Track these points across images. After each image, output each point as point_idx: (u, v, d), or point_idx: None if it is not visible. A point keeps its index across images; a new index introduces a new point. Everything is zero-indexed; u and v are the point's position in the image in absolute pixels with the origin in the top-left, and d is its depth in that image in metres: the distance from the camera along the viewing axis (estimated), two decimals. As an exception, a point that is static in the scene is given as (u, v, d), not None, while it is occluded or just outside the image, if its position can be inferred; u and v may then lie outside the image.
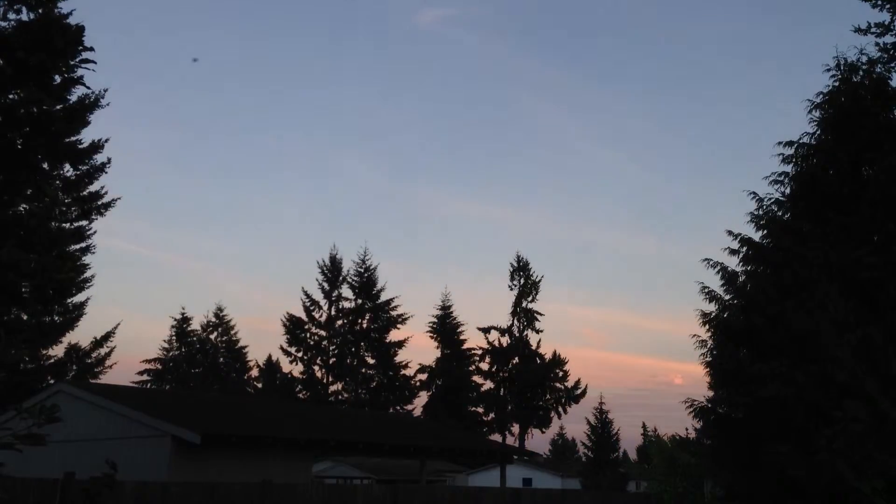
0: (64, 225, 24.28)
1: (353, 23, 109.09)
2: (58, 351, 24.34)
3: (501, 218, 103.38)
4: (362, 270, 54.15)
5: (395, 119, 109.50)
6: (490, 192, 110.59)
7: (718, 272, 17.57)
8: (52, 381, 21.93)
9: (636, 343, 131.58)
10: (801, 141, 17.39)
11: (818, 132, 17.26)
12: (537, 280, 58.47)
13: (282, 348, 51.93)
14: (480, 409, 56.67)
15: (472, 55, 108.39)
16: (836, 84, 17.09)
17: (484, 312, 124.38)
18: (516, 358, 56.72)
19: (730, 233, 17.63)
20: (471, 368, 57.11)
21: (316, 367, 51.93)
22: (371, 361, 52.32)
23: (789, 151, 17.45)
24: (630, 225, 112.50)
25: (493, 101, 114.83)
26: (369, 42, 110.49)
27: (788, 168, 17.47)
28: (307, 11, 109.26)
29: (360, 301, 53.35)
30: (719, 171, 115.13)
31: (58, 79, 23.85)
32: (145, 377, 52.08)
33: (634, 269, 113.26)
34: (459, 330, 57.72)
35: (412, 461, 25.19)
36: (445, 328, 57.37)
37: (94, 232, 25.11)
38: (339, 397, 51.07)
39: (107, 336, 25.59)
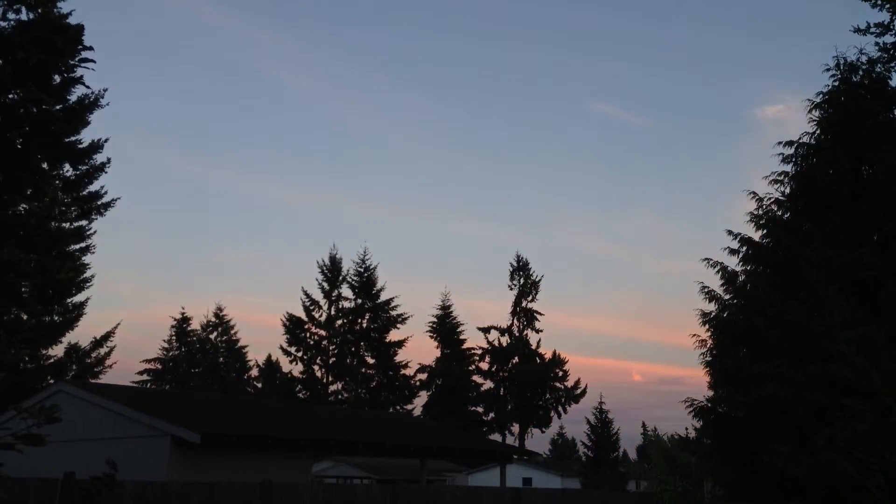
0: (64, 225, 24.28)
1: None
2: (58, 351, 24.39)
3: (501, 218, 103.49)
4: (362, 270, 54.17)
5: (396, 117, 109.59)
6: (490, 191, 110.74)
7: (718, 272, 17.57)
8: (52, 381, 21.92)
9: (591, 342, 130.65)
10: (801, 141, 17.40)
11: (818, 132, 17.26)
12: (537, 280, 58.59)
13: (282, 348, 51.99)
14: (480, 409, 56.68)
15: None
16: (836, 84, 17.08)
17: (484, 312, 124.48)
18: (516, 358, 56.75)
19: (730, 232, 17.64)
20: (471, 368, 57.12)
21: (316, 367, 51.94)
22: (371, 361, 52.31)
23: (789, 151, 17.47)
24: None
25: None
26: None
27: (788, 168, 17.49)
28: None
29: (359, 301, 53.35)
30: (715, 175, 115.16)
31: (57, 79, 23.85)
32: (145, 377, 52.07)
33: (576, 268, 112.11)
34: (459, 330, 57.76)
35: (412, 461, 25.19)
36: (445, 328, 57.37)
37: (94, 232, 25.18)
38: (339, 397, 51.05)
39: (107, 336, 25.60)
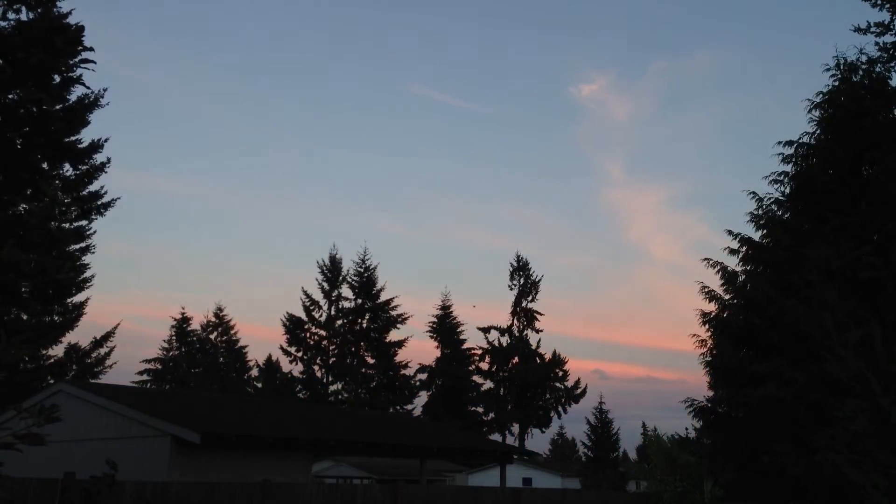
0: (64, 225, 24.27)
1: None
2: (58, 351, 24.40)
3: (501, 217, 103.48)
4: (362, 270, 54.18)
5: (390, 115, 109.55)
6: (490, 189, 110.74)
7: (718, 272, 17.58)
8: (52, 381, 21.92)
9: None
10: (800, 141, 17.42)
11: (818, 132, 17.28)
12: (537, 280, 58.58)
13: (282, 348, 52.02)
14: (480, 409, 56.68)
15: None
16: (836, 84, 17.10)
17: (483, 313, 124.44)
18: (516, 358, 56.73)
19: (729, 232, 17.66)
20: (471, 368, 57.12)
21: (316, 367, 51.94)
22: (371, 361, 52.30)
23: (789, 151, 17.49)
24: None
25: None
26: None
27: (788, 168, 17.52)
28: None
29: (359, 301, 53.35)
30: (717, 173, 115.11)
31: (57, 79, 23.82)
32: (145, 377, 52.10)
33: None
34: (459, 330, 57.75)
35: (412, 461, 25.19)
36: (445, 328, 57.36)
37: (94, 232, 25.18)
38: (339, 397, 51.05)
39: (107, 336, 25.62)
